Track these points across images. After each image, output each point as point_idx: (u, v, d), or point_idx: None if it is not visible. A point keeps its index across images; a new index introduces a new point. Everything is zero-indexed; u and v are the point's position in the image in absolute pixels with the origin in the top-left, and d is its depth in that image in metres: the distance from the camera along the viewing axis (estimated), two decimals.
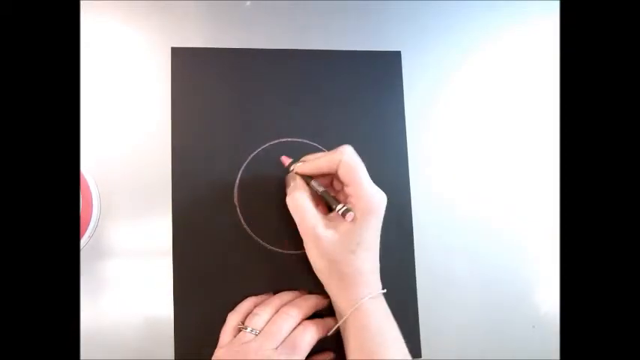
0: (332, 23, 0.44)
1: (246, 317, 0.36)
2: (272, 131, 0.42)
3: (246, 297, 0.38)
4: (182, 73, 0.41)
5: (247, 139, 0.41)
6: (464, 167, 0.45)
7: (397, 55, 0.45)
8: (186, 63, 0.41)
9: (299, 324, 0.35)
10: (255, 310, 0.36)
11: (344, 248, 0.34)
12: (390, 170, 0.43)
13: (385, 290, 0.35)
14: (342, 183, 0.36)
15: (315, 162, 0.36)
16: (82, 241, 0.38)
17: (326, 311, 0.38)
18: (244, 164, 0.41)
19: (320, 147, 0.42)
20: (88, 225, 0.38)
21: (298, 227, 0.35)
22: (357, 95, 0.43)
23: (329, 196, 0.36)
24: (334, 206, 0.35)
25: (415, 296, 0.42)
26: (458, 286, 0.43)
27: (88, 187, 0.38)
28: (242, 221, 0.40)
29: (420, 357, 0.41)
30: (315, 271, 0.36)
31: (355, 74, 0.44)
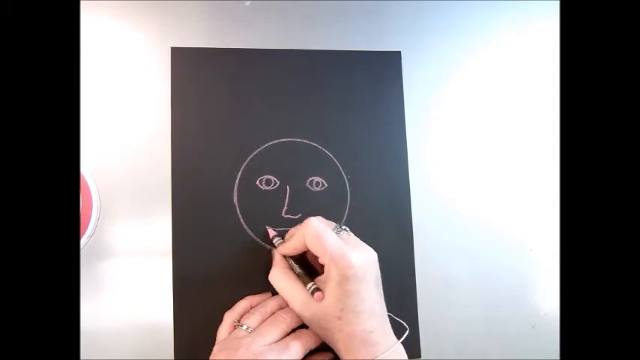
0: (332, 23, 0.44)
1: (242, 316, 0.36)
2: (272, 131, 0.42)
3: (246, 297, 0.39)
4: (182, 73, 0.41)
5: (247, 139, 0.41)
6: (464, 167, 0.45)
7: (397, 55, 0.45)
8: (186, 63, 0.41)
9: (294, 330, 0.35)
10: (251, 310, 0.36)
11: (331, 315, 0.34)
12: (390, 170, 0.43)
13: (390, 351, 0.33)
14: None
15: (290, 241, 0.37)
16: (82, 241, 0.38)
17: None
18: (244, 164, 0.41)
19: (320, 147, 0.42)
20: (88, 225, 0.38)
21: None
22: (357, 95, 0.43)
23: (303, 276, 0.36)
24: (306, 286, 0.35)
25: (415, 296, 0.42)
26: (458, 286, 0.43)
27: (88, 187, 0.38)
28: (242, 221, 0.40)
29: (420, 357, 0.41)
30: None
31: (355, 74, 0.44)
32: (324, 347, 0.36)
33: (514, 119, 0.46)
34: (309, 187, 0.41)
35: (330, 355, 0.38)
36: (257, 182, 0.41)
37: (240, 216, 0.40)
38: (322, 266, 0.35)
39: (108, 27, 0.41)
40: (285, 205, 0.41)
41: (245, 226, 0.40)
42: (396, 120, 0.44)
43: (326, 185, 0.42)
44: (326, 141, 0.42)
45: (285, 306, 0.37)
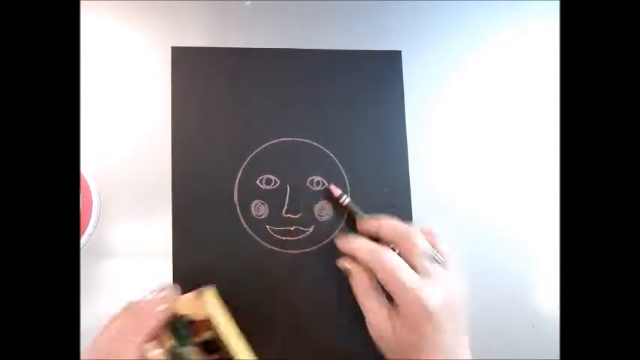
0: (332, 23, 0.44)
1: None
2: (272, 131, 0.42)
3: (247, 297, 0.38)
4: (182, 73, 0.41)
5: (247, 139, 0.41)
6: (464, 167, 0.45)
7: (397, 55, 0.45)
8: (186, 63, 0.41)
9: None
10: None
11: (406, 353, 0.32)
12: (390, 170, 0.43)
13: None
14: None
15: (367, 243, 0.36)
16: (82, 241, 0.38)
17: None
18: (244, 164, 0.41)
19: (320, 146, 0.42)
20: (88, 225, 0.38)
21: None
22: (357, 95, 0.43)
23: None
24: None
25: None
26: None
27: (88, 187, 0.38)
28: (242, 221, 0.40)
29: None
30: None
31: (355, 74, 0.44)
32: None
33: (514, 119, 0.46)
34: (310, 186, 0.41)
35: None
36: (257, 181, 0.41)
37: (240, 215, 0.40)
38: None
39: (108, 27, 0.41)
40: (286, 204, 0.41)
41: (245, 226, 0.40)
42: (396, 120, 0.44)
43: (326, 185, 0.42)
44: (326, 140, 0.42)
45: None
